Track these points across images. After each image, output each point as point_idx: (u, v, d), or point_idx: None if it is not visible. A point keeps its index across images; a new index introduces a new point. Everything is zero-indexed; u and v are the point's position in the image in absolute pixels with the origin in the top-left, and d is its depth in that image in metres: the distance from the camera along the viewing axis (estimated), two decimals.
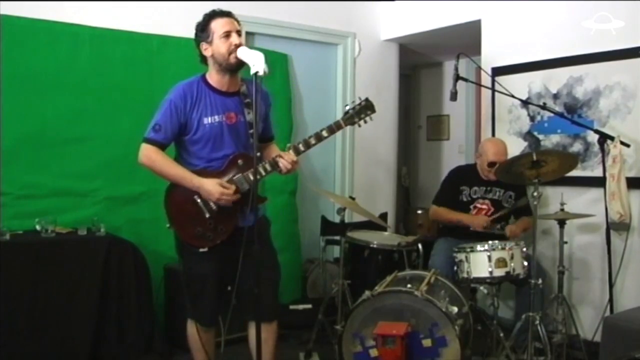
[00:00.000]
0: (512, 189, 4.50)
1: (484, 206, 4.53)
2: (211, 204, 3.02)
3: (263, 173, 3.06)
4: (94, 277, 3.97)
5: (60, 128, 4.33)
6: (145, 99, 4.52)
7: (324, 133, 3.13)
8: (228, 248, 3.02)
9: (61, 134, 4.33)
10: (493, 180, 4.45)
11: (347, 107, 3.26)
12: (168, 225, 3.11)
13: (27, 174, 4.21)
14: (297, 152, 3.10)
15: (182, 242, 3.12)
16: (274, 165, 3.07)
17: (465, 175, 4.68)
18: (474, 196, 4.56)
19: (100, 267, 3.99)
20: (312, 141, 3.11)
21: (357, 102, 3.25)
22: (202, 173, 3.04)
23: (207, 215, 3.03)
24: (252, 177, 2.91)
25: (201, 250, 3.05)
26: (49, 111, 4.29)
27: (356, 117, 3.22)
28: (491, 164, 4.42)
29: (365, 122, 3.26)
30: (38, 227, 4.00)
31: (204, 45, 3.05)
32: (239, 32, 3.04)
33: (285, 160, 3.06)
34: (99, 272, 3.98)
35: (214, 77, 3.09)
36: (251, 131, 2.96)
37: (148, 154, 3.05)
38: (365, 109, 3.23)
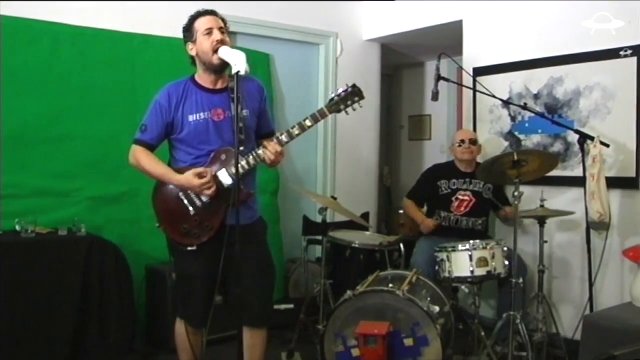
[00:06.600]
0: (492, 182, 4.55)
1: (466, 197, 4.60)
2: (195, 200, 3.02)
3: (246, 167, 2.99)
4: (74, 277, 3.93)
5: (41, 127, 4.29)
6: (127, 99, 4.51)
7: (308, 122, 3.04)
8: (218, 247, 2.92)
9: (42, 134, 4.29)
10: (471, 172, 4.58)
11: (332, 95, 3.15)
12: (157, 225, 3.11)
13: (8, 173, 4.15)
14: (280, 144, 3.02)
15: (172, 242, 3.11)
16: (257, 157, 3.01)
17: (442, 171, 4.78)
18: (453, 187, 4.63)
19: (81, 267, 3.95)
20: (296, 131, 3.03)
21: (343, 88, 3.14)
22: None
23: (192, 212, 3.02)
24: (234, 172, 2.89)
25: (189, 249, 3.03)
26: (30, 110, 4.25)
27: (342, 104, 3.10)
28: (461, 142, 4.64)
29: (354, 109, 3.14)
30: (18, 228, 3.95)
31: (190, 46, 3.06)
32: (222, 30, 3.02)
33: (270, 151, 2.98)
34: (80, 273, 3.94)
35: (202, 76, 3.09)
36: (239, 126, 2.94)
37: (134, 154, 3.07)
38: (352, 95, 3.11)
